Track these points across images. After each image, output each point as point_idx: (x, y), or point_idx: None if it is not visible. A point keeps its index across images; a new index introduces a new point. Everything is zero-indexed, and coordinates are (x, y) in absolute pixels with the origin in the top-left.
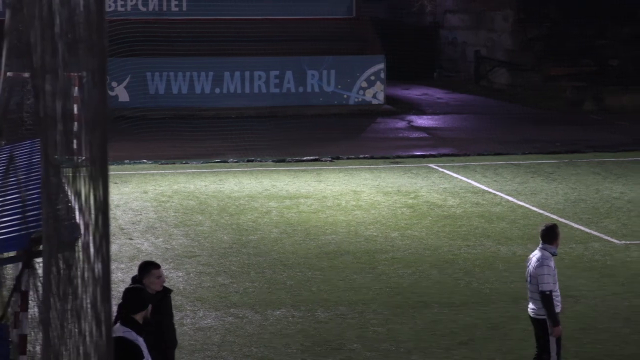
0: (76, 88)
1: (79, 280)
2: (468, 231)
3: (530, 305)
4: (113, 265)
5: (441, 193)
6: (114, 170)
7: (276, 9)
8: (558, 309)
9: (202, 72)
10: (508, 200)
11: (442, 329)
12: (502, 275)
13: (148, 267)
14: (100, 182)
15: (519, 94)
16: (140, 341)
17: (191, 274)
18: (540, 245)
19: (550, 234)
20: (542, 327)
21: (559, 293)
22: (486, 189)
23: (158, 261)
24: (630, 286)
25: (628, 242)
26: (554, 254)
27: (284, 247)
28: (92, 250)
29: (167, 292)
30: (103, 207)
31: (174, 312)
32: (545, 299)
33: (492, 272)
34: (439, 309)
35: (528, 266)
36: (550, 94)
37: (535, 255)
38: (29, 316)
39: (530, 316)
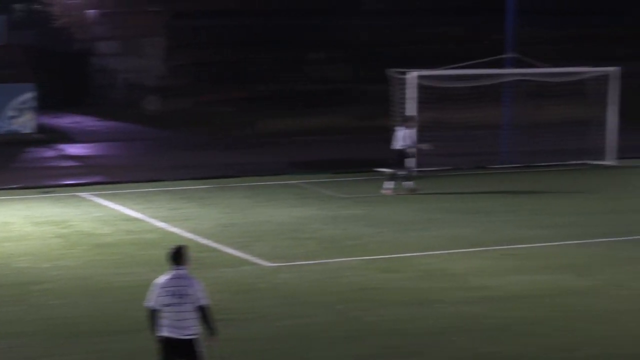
0: None
1: None
2: (121, 259)
3: (179, 327)
4: None
5: (93, 222)
6: None
7: None
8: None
9: None
10: (160, 227)
11: (95, 358)
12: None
13: None
14: None
15: (170, 119)
16: None
17: None
18: (175, 268)
19: (183, 256)
20: (195, 346)
21: None
22: (139, 216)
23: None
24: (281, 307)
25: (278, 264)
26: None
27: None
28: None
29: None
30: None
31: None
32: (207, 310)
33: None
34: (93, 338)
35: (170, 288)
36: (202, 119)
37: (177, 276)
38: None
39: (180, 340)
